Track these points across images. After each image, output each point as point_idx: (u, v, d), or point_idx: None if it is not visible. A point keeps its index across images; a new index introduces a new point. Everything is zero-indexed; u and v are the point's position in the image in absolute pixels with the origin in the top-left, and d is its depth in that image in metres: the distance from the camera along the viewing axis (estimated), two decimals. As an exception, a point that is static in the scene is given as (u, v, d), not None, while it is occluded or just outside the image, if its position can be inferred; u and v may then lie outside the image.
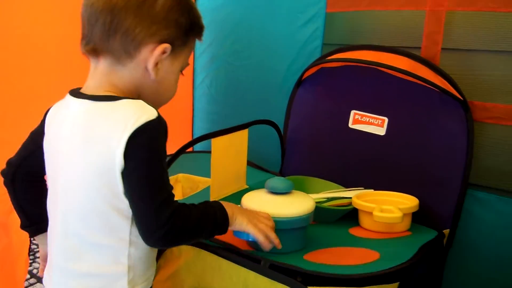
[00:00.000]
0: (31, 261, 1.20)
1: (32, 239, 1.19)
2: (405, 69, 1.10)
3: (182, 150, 1.08)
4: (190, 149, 1.68)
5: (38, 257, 1.19)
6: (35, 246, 1.20)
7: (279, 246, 0.83)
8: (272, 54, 1.55)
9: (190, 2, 0.76)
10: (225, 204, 0.79)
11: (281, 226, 0.86)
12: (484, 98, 1.12)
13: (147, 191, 0.67)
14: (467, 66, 1.15)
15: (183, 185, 1.35)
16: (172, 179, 1.30)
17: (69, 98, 0.75)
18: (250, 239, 0.83)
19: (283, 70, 1.52)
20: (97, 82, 0.73)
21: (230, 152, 1.14)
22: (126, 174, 0.67)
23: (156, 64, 0.73)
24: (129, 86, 0.74)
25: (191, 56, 1.72)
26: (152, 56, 0.71)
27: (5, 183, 0.85)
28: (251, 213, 0.83)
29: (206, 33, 1.67)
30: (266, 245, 0.82)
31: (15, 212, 1.22)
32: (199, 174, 1.32)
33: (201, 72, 1.74)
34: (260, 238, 0.81)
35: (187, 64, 0.80)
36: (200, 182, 1.30)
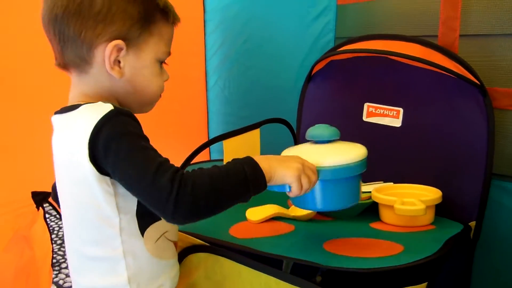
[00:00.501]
0: (57, 271, 1.21)
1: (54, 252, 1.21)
2: (418, 56, 1.06)
3: (195, 154, 1.07)
4: (206, 156, 1.70)
5: (64, 268, 1.20)
6: (60, 257, 1.22)
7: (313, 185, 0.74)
8: (284, 51, 1.52)
9: None
10: (258, 157, 0.70)
11: (337, 175, 0.77)
12: (506, 84, 1.07)
13: (134, 174, 0.62)
14: (487, 52, 1.11)
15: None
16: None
17: (52, 117, 0.74)
18: (284, 190, 0.74)
19: (296, 66, 1.49)
20: (72, 94, 0.73)
21: (242, 153, 1.11)
22: (111, 171, 0.64)
23: (118, 63, 0.70)
24: (102, 93, 0.71)
25: (202, 58, 1.72)
26: (106, 56, 0.68)
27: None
28: (296, 164, 0.72)
29: (216, 34, 1.70)
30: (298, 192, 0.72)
31: (37, 224, 1.25)
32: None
33: (214, 74, 1.73)
34: (296, 193, 0.72)
35: (167, 53, 0.75)
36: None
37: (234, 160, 0.69)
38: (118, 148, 0.62)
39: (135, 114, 0.74)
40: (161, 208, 0.62)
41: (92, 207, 0.67)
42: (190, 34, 1.68)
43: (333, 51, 1.24)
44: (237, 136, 1.09)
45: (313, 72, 1.29)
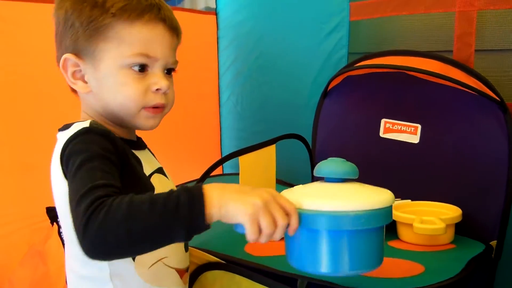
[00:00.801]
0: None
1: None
2: (437, 71, 1.05)
3: (210, 171, 1.06)
4: (219, 172, 1.69)
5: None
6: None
7: (291, 232, 0.56)
8: (297, 67, 1.52)
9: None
10: (214, 186, 0.54)
11: (354, 226, 0.55)
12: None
13: (71, 190, 0.55)
14: (503, 66, 1.11)
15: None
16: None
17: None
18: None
19: (309, 82, 1.49)
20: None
21: (259, 169, 1.11)
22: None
23: (83, 77, 0.67)
24: (91, 112, 0.70)
25: (215, 74, 1.73)
26: (62, 72, 0.67)
27: None
28: (258, 199, 0.53)
29: (230, 49, 1.71)
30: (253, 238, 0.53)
31: (52, 240, 1.24)
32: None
33: (227, 90, 1.73)
34: (249, 238, 0.53)
35: (135, 55, 0.65)
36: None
37: (177, 190, 0.54)
38: (73, 164, 0.57)
39: (141, 131, 0.72)
40: (76, 233, 0.52)
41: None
42: (203, 50, 1.69)
43: (349, 66, 1.24)
44: (253, 152, 1.08)
45: (329, 87, 1.28)
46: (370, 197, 0.58)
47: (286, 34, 1.54)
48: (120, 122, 0.69)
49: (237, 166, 1.33)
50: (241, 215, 0.52)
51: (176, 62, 0.72)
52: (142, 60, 0.66)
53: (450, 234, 1.00)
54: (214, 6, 1.72)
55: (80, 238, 0.51)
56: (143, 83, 0.67)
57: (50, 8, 0.70)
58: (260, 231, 0.53)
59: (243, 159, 1.06)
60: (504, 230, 1.05)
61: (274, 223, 0.53)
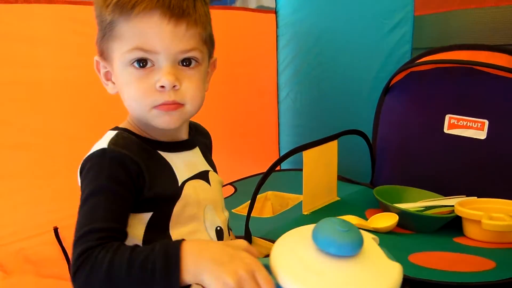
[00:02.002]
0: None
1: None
2: (505, 65, 1.02)
3: (275, 165, 1.08)
4: (277, 168, 1.72)
5: None
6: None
7: None
8: (358, 63, 1.53)
9: None
10: (191, 247, 0.53)
11: None
12: None
13: (76, 222, 0.57)
14: None
15: (273, 203, 1.36)
16: (261, 197, 1.32)
17: None
18: None
19: (370, 79, 1.49)
20: None
21: (321, 164, 1.13)
22: None
23: (109, 79, 0.67)
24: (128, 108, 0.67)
25: (274, 71, 1.76)
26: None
27: None
28: (237, 270, 0.51)
29: (289, 47, 1.73)
30: None
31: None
32: (287, 191, 1.32)
33: (285, 87, 1.76)
34: None
35: (132, 50, 0.61)
36: (290, 199, 1.30)
37: (157, 247, 0.54)
38: (82, 191, 0.59)
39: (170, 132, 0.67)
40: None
41: None
42: (263, 48, 1.72)
43: (412, 62, 1.23)
44: (316, 147, 1.10)
45: (392, 83, 1.28)
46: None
47: (346, 31, 1.54)
48: (144, 125, 0.66)
49: (294, 162, 1.35)
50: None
51: (194, 50, 0.63)
52: (138, 55, 0.61)
53: (520, 232, 0.97)
54: (266, 4, 1.76)
55: (72, 276, 0.54)
56: (147, 81, 0.62)
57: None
58: None
59: (307, 154, 1.08)
60: None
61: None
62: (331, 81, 1.61)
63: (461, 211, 1.01)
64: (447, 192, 1.15)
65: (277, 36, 1.75)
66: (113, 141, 0.62)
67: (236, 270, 0.50)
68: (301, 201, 1.13)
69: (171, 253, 0.52)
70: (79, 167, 0.62)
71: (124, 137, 0.63)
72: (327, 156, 1.14)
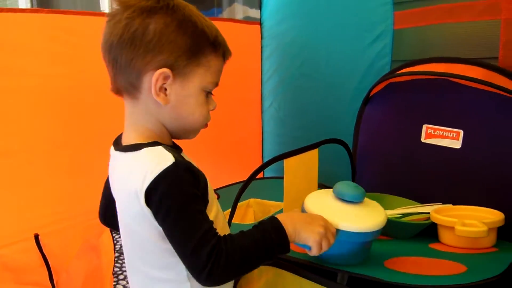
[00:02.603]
0: (115, 283, 1.28)
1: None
2: (480, 78, 1.06)
3: (256, 173, 1.10)
4: (261, 175, 1.74)
5: (121, 280, 1.27)
6: (117, 269, 1.28)
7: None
8: (340, 74, 1.56)
9: (195, 20, 0.72)
10: (285, 218, 0.74)
11: (350, 239, 0.83)
12: None
13: (180, 236, 0.67)
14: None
15: (255, 210, 1.37)
16: (243, 204, 1.33)
17: (112, 149, 0.79)
18: (303, 247, 0.79)
19: (351, 89, 1.53)
20: (126, 124, 0.77)
21: (302, 172, 1.15)
22: (160, 223, 0.69)
23: (165, 90, 0.72)
24: (151, 119, 0.75)
25: (258, 81, 1.79)
26: (152, 83, 0.71)
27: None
28: (318, 227, 0.77)
29: (273, 58, 1.76)
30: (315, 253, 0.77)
31: (104, 235, 1.32)
32: (269, 198, 1.34)
33: (269, 96, 1.79)
34: (315, 253, 0.76)
35: (213, 84, 0.76)
36: (272, 206, 1.32)
37: (261, 225, 0.72)
38: (169, 207, 0.67)
39: (181, 140, 0.80)
40: (195, 274, 0.68)
41: (151, 239, 0.71)
42: (248, 58, 1.75)
43: (392, 73, 1.26)
44: (296, 155, 1.12)
45: (371, 94, 1.31)
46: (373, 220, 0.84)
47: (329, 43, 1.58)
48: (176, 133, 0.78)
49: (277, 170, 1.37)
50: (311, 241, 0.75)
51: None
52: (214, 87, 0.77)
53: (492, 238, 1.00)
54: (253, 15, 1.79)
55: (203, 279, 0.67)
56: (208, 106, 0.77)
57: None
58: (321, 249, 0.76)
59: (287, 162, 1.10)
60: (548, 236, 1.05)
61: (329, 243, 0.77)
62: (314, 91, 1.64)
63: (436, 218, 1.04)
64: (424, 199, 1.18)
65: (261, 47, 1.78)
66: (174, 155, 0.70)
67: (320, 224, 0.77)
68: (282, 208, 1.15)
69: (277, 226, 0.72)
70: (147, 187, 0.67)
71: (171, 148, 0.73)
72: (307, 164, 1.16)
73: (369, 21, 1.46)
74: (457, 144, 1.16)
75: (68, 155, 1.29)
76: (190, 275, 0.71)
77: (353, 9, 1.51)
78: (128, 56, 0.70)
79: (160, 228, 0.69)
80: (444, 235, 1.04)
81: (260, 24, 1.76)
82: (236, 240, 0.69)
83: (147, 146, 0.71)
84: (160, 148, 0.71)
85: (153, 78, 0.71)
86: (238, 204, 1.21)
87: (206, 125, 0.79)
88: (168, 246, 0.70)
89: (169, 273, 0.73)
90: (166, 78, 0.71)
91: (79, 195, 1.30)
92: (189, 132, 0.78)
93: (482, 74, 1.08)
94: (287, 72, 1.72)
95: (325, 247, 0.76)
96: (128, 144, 0.74)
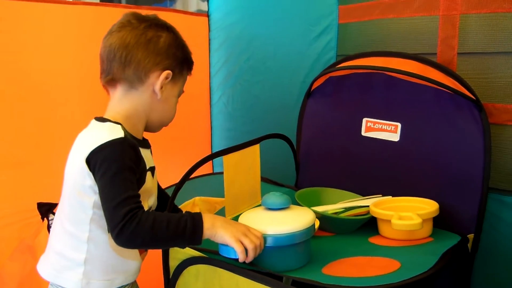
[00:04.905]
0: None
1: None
2: (415, 72, 1.08)
3: (193, 169, 1.07)
4: (210, 170, 1.72)
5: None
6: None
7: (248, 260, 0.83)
8: (287, 68, 1.56)
9: (182, 41, 0.95)
10: (208, 216, 0.83)
11: (281, 243, 0.86)
12: (503, 100, 1.10)
13: (108, 193, 0.80)
14: (485, 69, 1.13)
15: (201, 208, 1.35)
16: (189, 203, 1.31)
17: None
18: (233, 257, 0.82)
19: (298, 83, 1.53)
20: (110, 106, 0.92)
21: (243, 168, 1.14)
22: (96, 180, 0.81)
23: (161, 87, 0.90)
24: (138, 107, 0.91)
25: (206, 74, 1.76)
26: (158, 80, 0.90)
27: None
28: (239, 228, 0.84)
29: (221, 51, 1.74)
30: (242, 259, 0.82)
31: (41, 235, 1.27)
32: (217, 195, 1.32)
33: (218, 90, 1.76)
34: (238, 252, 0.81)
35: (183, 92, 0.97)
36: (217, 203, 1.29)
37: (185, 213, 0.83)
38: (107, 169, 0.80)
39: (147, 133, 0.95)
40: (110, 228, 0.79)
41: (77, 193, 0.84)
42: (195, 51, 1.71)
43: (331, 67, 1.26)
44: (237, 151, 1.10)
45: (313, 88, 1.32)
46: (298, 222, 0.88)
47: (276, 36, 1.57)
48: (152, 123, 0.94)
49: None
50: (228, 239, 0.81)
51: None
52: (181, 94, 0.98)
53: (427, 228, 1.03)
54: (206, 8, 1.76)
55: (115, 234, 0.77)
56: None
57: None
58: (243, 249, 0.81)
59: (227, 159, 1.08)
60: (481, 224, 1.08)
61: (253, 244, 0.81)
62: (262, 85, 1.63)
63: (374, 211, 1.06)
64: (366, 192, 1.20)
65: (209, 39, 1.75)
66: (126, 133, 0.84)
67: (238, 227, 0.84)
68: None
69: (197, 218, 0.81)
70: (93, 147, 0.81)
71: (127, 131, 0.86)
72: (248, 160, 1.15)
73: (315, 15, 1.46)
74: (395, 137, 1.18)
75: (1, 149, 1.23)
76: (90, 238, 0.85)
77: (299, 2, 1.51)
78: (143, 56, 0.88)
79: (87, 184, 0.82)
80: (382, 228, 1.06)
81: (208, 16, 1.73)
82: (154, 214, 0.80)
83: (111, 123, 0.86)
84: (119, 126, 0.85)
85: (162, 76, 0.90)
86: (184, 203, 1.19)
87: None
88: (86, 204, 0.83)
89: (75, 228, 0.85)
90: (167, 78, 0.90)
91: (14, 192, 1.24)
92: (162, 125, 0.96)
93: (417, 68, 1.10)
94: (235, 66, 1.69)
95: (248, 243, 0.81)
96: (102, 117, 0.90)
